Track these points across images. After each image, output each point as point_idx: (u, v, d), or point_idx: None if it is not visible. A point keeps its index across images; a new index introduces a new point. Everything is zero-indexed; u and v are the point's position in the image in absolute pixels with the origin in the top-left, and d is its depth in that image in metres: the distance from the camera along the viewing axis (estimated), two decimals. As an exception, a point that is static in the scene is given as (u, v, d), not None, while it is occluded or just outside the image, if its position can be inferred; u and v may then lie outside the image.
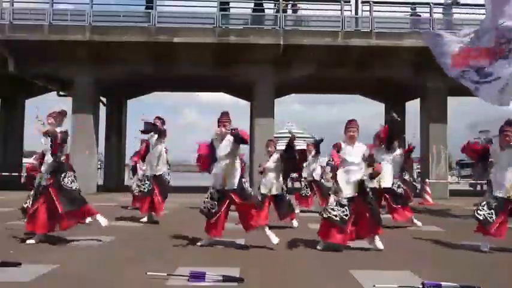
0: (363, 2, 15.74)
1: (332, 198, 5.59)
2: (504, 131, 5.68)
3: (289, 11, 16.26)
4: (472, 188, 23.67)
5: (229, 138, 5.53)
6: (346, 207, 5.43)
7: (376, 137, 7.61)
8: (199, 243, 5.66)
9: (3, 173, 16.86)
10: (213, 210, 5.49)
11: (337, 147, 5.63)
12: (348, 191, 5.50)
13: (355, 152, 5.61)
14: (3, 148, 20.11)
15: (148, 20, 15.01)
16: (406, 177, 9.27)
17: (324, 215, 5.52)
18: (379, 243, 5.50)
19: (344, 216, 5.40)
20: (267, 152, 7.52)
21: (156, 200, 7.94)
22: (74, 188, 5.77)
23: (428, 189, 13.79)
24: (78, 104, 15.71)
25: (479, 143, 7.80)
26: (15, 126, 20.72)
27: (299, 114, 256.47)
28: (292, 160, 7.12)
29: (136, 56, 15.38)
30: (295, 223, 7.66)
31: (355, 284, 4.00)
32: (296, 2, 16.54)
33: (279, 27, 15.02)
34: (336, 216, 5.41)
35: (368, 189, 5.60)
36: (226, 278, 3.92)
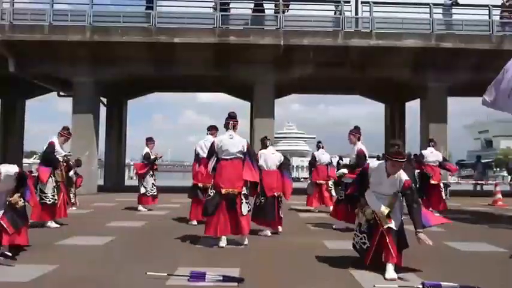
0: (363, 2, 15.73)
1: (357, 221, 4.79)
2: None
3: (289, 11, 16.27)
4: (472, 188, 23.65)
5: None
6: (365, 235, 4.58)
7: None
8: None
9: (3, 173, 16.85)
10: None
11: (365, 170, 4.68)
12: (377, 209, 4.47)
13: (390, 184, 4.47)
14: (3, 148, 20.12)
15: (148, 21, 14.99)
16: None
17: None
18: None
19: (362, 246, 4.61)
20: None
21: None
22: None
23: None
24: (78, 104, 15.70)
25: None
26: (15, 126, 20.74)
27: (299, 114, 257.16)
28: None
29: (137, 56, 15.37)
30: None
31: (355, 284, 4.00)
32: (294, 3, 16.55)
33: (279, 27, 15.02)
34: (356, 243, 4.70)
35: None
36: (226, 278, 3.92)
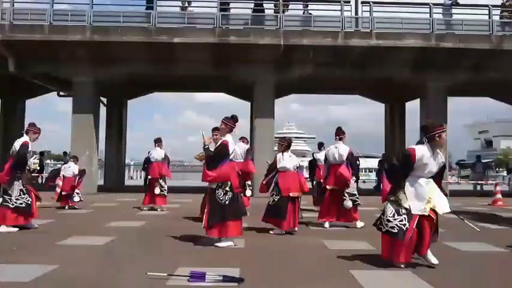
0: (363, 2, 15.74)
1: (390, 208, 4.66)
2: None
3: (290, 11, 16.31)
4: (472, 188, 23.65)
5: None
6: (405, 216, 4.55)
7: None
8: None
9: (3, 173, 16.84)
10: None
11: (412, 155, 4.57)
12: (416, 207, 4.56)
13: (434, 164, 4.63)
14: (2, 148, 20.11)
15: (148, 20, 15.00)
16: None
17: (382, 229, 4.67)
18: (433, 259, 4.66)
19: (402, 226, 4.53)
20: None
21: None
22: None
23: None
24: (78, 104, 15.71)
25: None
26: (15, 126, 20.73)
27: (298, 114, 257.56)
28: None
29: (136, 56, 15.38)
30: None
31: (355, 284, 4.00)
32: (295, 3, 16.56)
33: (279, 27, 15.01)
34: (393, 227, 4.56)
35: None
36: (226, 278, 3.92)
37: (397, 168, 4.76)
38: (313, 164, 10.89)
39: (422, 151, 4.58)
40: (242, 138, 9.68)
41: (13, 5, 15.41)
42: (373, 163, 28.20)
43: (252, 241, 6.06)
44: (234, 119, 5.98)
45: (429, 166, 4.60)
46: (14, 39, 14.57)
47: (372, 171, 34.86)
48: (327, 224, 7.71)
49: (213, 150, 5.77)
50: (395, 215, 4.58)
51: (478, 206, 12.43)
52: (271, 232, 6.85)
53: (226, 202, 5.66)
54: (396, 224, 4.54)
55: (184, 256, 5.12)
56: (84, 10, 15.23)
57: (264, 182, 7.31)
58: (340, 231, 7.37)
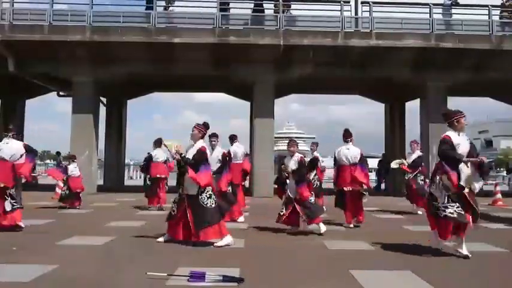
0: (362, 3, 15.73)
1: (442, 196, 5.17)
2: None
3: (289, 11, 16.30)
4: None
5: None
6: (458, 202, 5.13)
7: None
8: None
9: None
10: None
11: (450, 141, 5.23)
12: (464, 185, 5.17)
13: (465, 144, 5.31)
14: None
15: (148, 21, 14.99)
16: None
17: (440, 215, 5.16)
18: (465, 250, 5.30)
19: (460, 212, 5.10)
20: (289, 152, 7.16)
21: None
22: None
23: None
24: (78, 104, 15.69)
25: None
26: (15, 126, 20.69)
27: (298, 114, 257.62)
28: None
29: (136, 56, 15.36)
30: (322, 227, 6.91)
31: (355, 284, 4.00)
32: (294, 3, 16.55)
33: (279, 27, 15.01)
34: (452, 213, 5.10)
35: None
36: (226, 278, 3.92)
37: (447, 151, 5.22)
38: (314, 164, 10.84)
39: (452, 136, 5.27)
40: (233, 136, 9.51)
41: (13, 5, 15.38)
42: (373, 163, 28.05)
43: (252, 241, 6.06)
44: (205, 125, 6.20)
45: (461, 147, 5.22)
46: (14, 39, 14.55)
47: (371, 171, 34.74)
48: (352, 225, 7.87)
49: (190, 157, 5.85)
50: (451, 201, 5.11)
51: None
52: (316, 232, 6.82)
53: (213, 205, 5.79)
54: (455, 210, 5.07)
55: (184, 256, 5.13)
56: (84, 10, 15.20)
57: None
58: (340, 231, 7.37)
